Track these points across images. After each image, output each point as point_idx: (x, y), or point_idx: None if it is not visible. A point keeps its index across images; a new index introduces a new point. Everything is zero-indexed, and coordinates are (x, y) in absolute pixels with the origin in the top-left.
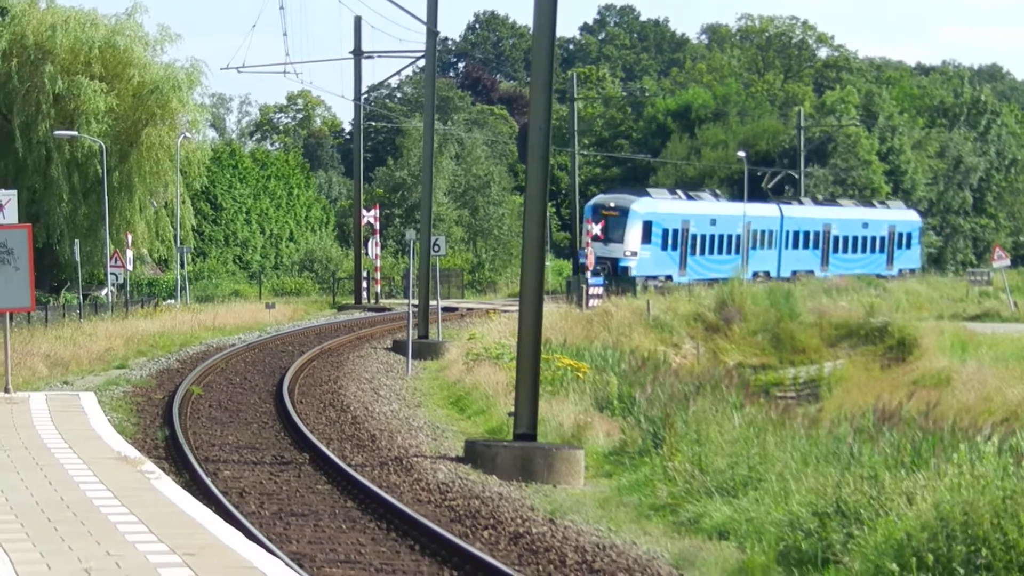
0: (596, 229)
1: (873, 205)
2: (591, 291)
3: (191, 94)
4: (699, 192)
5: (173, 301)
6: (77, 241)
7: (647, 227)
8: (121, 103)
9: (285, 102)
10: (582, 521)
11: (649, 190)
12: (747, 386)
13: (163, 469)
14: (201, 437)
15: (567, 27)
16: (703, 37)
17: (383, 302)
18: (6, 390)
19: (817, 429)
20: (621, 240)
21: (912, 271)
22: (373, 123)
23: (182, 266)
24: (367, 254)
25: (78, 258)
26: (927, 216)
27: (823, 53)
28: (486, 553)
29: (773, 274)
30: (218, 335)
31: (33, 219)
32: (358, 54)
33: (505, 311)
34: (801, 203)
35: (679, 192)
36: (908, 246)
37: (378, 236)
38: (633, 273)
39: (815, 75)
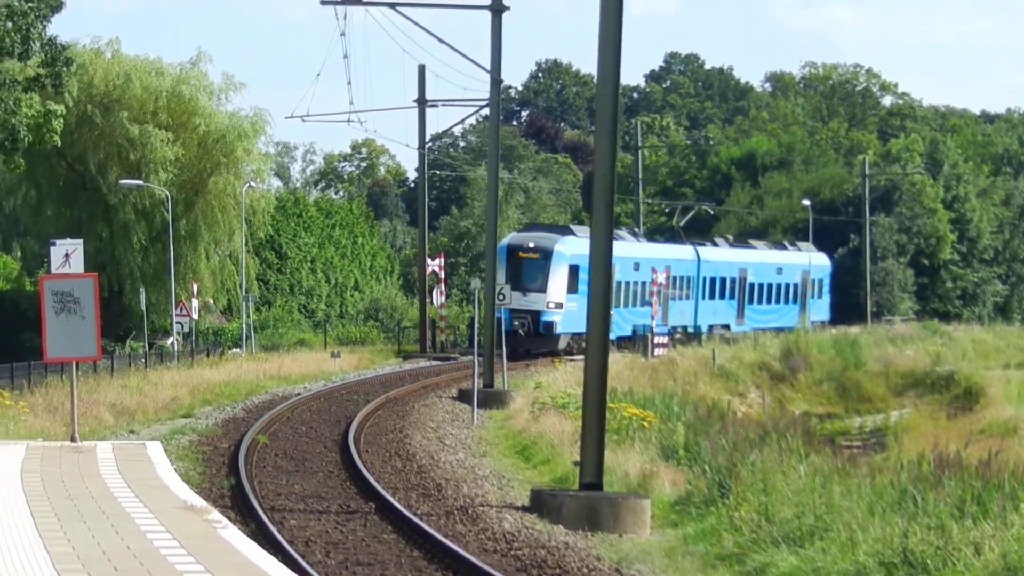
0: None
1: (785, 247)
2: (656, 340)
3: (256, 143)
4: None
5: (238, 350)
6: (143, 290)
7: (573, 273)
8: (187, 152)
9: (349, 151)
10: (648, 571)
11: (573, 227)
12: (813, 435)
13: (229, 518)
14: (267, 486)
15: (632, 75)
16: (767, 85)
17: (448, 351)
18: (72, 439)
19: (882, 478)
20: (543, 289)
21: (823, 323)
22: (437, 172)
23: (247, 315)
24: (432, 303)
25: (144, 307)
26: (992, 264)
27: (887, 101)
28: None
29: (690, 328)
30: (283, 384)
31: (99, 268)
32: (422, 103)
33: (571, 360)
34: (716, 244)
35: None
36: (820, 295)
37: (443, 285)
38: (558, 330)
39: (879, 123)
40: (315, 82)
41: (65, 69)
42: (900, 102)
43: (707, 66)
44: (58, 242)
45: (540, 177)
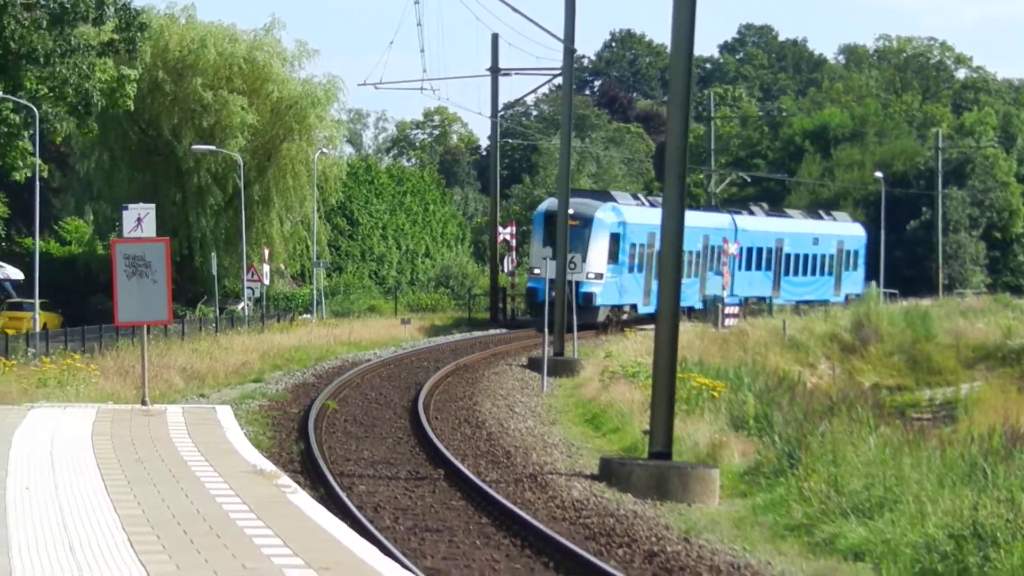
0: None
1: (820, 217)
2: (727, 311)
3: (328, 110)
4: (656, 196)
5: (309, 315)
6: (214, 254)
7: (614, 241)
8: (260, 118)
9: (422, 118)
10: (717, 540)
11: (614, 193)
12: (882, 407)
13: (299, 483)
14: (336, 451)
15: (705, 46)
16: (841, 57)
17: (519, 319)
18: (143, 402)
19: (952, 451)
20: (582, 259)
21: (857, 296)
22: (509, 140)
23: (318, 281)
24: (503, 271)
25: (215, 271)
26: None
27: (961, 74)
28: (621, 571)
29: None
30: (353, 350)
31: (172, 232)
32: (495, 71)
33: (641, 330)
34: (752, 213)
35: (641, 197)
36: (855, 267)
37: (514, 253)
38: (597, 302)
39: (953, 96)
40: (388, 50)
41: (139, 34)
42: (974, 75)
43: (781, 37)
44: (130, 206)
45: (612, 147)
